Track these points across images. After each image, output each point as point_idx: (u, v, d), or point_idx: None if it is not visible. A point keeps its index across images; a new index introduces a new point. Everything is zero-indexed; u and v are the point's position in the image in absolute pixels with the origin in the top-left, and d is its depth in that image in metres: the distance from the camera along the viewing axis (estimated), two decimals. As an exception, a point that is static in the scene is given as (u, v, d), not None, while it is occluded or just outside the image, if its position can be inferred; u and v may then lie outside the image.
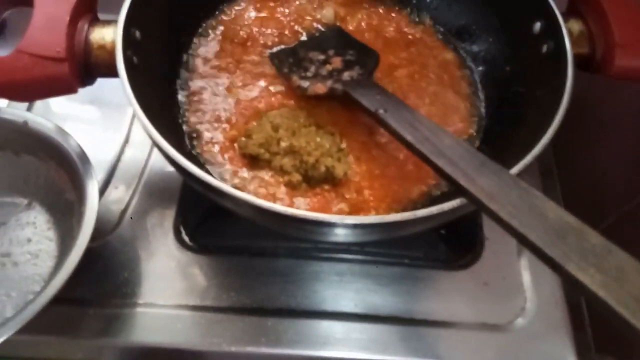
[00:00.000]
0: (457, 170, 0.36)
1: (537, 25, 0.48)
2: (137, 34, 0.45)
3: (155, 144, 0.40)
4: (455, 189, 0.36)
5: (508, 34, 0.51)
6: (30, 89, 0.42)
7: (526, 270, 0.51)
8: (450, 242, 0.52)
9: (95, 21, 0.46)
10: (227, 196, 0.36)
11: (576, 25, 0.47)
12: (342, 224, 0.36)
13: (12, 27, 0.49)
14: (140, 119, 0.40)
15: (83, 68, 0.44)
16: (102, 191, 0.55)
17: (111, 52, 0.43)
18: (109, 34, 0.44)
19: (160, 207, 0.54)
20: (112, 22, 0.45)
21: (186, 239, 0.52)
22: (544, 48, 0.47)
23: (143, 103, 0.41)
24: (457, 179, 0.35)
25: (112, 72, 0.42)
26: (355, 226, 0.36)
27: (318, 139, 0.47)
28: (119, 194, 0.55)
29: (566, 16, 0.47)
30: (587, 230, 0.30)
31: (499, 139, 0.48)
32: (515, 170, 0.37)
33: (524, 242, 0.30)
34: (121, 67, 0.42)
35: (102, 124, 0.61)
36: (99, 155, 0.57)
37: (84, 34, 0.44)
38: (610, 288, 0.26)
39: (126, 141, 0.59)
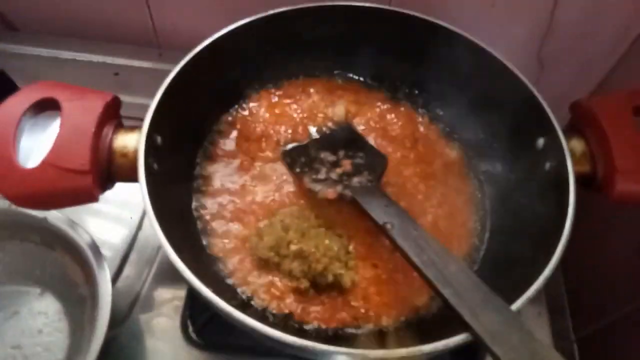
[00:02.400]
0: (462, 304, 0.37)
1: (540, 141, 0.49)
2: (159, 139, 0.47)
3: (165, 251, 0.41)
4: (458, 322, 0.37)
5: (512, 146, 0.53)
6: (53, 200, 0.44)
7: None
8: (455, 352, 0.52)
9: (119, 127, 0.48)
10: (233, 319, 0.37)
11: (578, 145, 0.48)
12: (348, 353, 0.37)
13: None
14: (155, 230, 0.41)
15: (105, 176, 0.45)
16: (115, 279, 0.56)
17: (133, 160, 0.45)
18: (132, 142, 0.46)
19: (169, 299, 0.55)
20: (135, 128, 0.46)
21: (193, 335, 0.53)
22: (547, 165, 0.48)
23: (158, 208, 0.42)
24: (462, 314, 0.36)
25: (132, 178, 0.44)
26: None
27: (327, 242, 0.48)
28: (129, 282, 0.57)
29: (568, 133, 0.48)
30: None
31: (503, 250, 0.49)
32: (518, 304, 0.38)
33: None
34: (142, 175, 0.43)
35: (117, 207, 0.63)
36: (112, 238, 0.59)
37: (107, 141, 0.45)
38: None
39: (139, 227, 0.61)
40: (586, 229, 0.66)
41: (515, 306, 0.37)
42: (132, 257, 0.58)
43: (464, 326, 0.36)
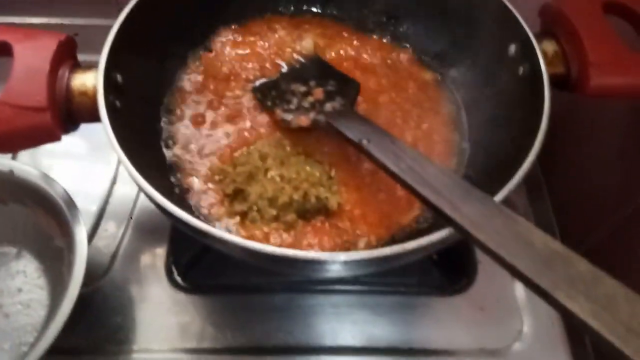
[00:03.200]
0: (442, 200, 0.36)
1: (512, 48, 0.48)
2: (119, 77, 0.46)
3: (142, 190, 0.40)
4: (441, 218, 0.36)
5: (485, 57, 0.52)
6: (13, 140, 0.42)
7: (521, 291, 0.51)
8: (443, 267, 0.52)
9: (76, 67, 0.46)
10: (216, 239, 0.36)
11: (550, 46, 0.48)
12: (332, 261, 0.36)
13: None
14: (125, 165, 0.40)
15: (65, 115, 0.44)
16: (92, 235, 0.55)
17: (93, 98, 0.43)
18: (90, 80, 0.44)
19: (151, 248, 0.54)
20: (93, 66, 0.45)
21: (178, 279, 0.52)
22: (520, 70, 0.47)
23: (127, 147, 0.40)
24: (443, 208, 0.35)
25: (95, 118, 0.42)
26: (345, 262, 0.36)
27: (308, 168, 0.47)
28: (109, 234, 0.55)
29: (540, 37, 0.48)
30: (573, 257, 0.30)
31: (484, 162, 0.49)
32: (500, 196, 0.37)
33: (513, 271, 0.31)
34: (103, 113, 0.42)
35: (90, 160, 0.62)
36: (87, 193, 0.57)
37: (65, 80, 0.44)
38: (600, 316, 0.27)
39: (114, 180, 0.59)
40: (567, 143, 0.66)
41: (497, 198, 0.37)
42: (110, 210, 0.56)
43: (447, 221, 0.35)
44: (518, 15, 0.48)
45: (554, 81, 0.45)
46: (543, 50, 0.46)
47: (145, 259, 0.53)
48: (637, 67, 0.45)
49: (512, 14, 0.48)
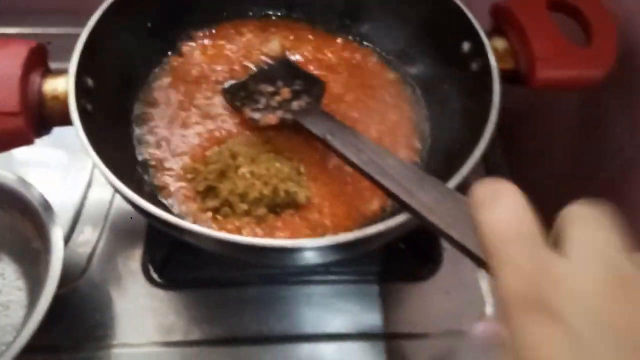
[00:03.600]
0: (399, 187, 0.38)
1: (466, 46, 0.51)
2: (90, 82, 0.47)
3: (115, 189, 0.41)
4: (399, 205, 0.38)
5: (441, 55, 0.55)
6: (-12, 145, 0.43)
7: (484, 275, 0.53)
8: (410, 255, 0.55)
9: (47, 73, 0.47)
10: (190, 233, 0.38)
11: (500, 43, 0.51)
12: (299, 248, 0.38)
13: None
14: (99, 166, 0.41)
15: (38, 120, 0.45)
16: (69, 236, 0.56)
17: (64, 102, 0.44)
18: (61, 85, 0.45)
19: (127, 247, 0.55)
20: (64, 71, 0.46)
21: (155, 275, 0.53)
22: (474, 66, 0.50)
23: (100, 149, 0.42)
24: (399, 194, 0.38)
25: (67, 121, 0.44)
26: (311, 249, 0.38)
27: (277, 164, 0.50)
28: (85, 237, 0.56)
29: (491, 34, 0.51)
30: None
31: (444, 153, 0.52)
32: (452, 183, 0.40)
33: (462, 250, 0.33)
34: (75, 116, 0.43)
35: (65, 166, 0.62)
36: (63, 198, 0.58)
37: (36, 86, 0.45)
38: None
39: (89, 184, 0.60)
40: (529, 135, 0.70)
41: (451, 184, 0.40)
42: (85, 213, 0.58)
43: (404, 207, 0.38)
44: (470, 15, 0.51)
45: (505, 76, 0.48)
46: (493, 47, 0.49)
47: (122, 258, 0.54)
48: (579, 60, 0.49)
49: (464, 14, 0.51)
